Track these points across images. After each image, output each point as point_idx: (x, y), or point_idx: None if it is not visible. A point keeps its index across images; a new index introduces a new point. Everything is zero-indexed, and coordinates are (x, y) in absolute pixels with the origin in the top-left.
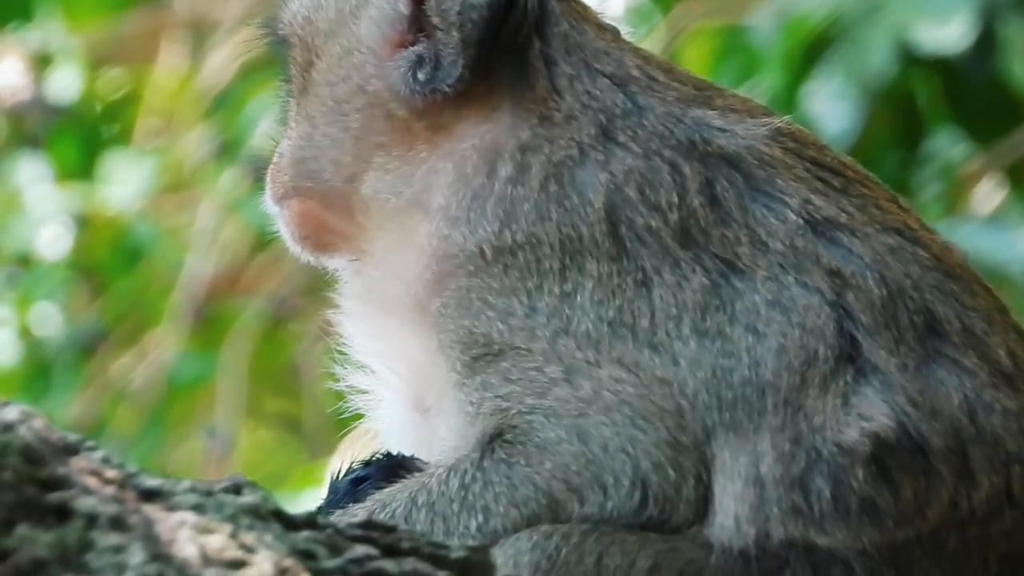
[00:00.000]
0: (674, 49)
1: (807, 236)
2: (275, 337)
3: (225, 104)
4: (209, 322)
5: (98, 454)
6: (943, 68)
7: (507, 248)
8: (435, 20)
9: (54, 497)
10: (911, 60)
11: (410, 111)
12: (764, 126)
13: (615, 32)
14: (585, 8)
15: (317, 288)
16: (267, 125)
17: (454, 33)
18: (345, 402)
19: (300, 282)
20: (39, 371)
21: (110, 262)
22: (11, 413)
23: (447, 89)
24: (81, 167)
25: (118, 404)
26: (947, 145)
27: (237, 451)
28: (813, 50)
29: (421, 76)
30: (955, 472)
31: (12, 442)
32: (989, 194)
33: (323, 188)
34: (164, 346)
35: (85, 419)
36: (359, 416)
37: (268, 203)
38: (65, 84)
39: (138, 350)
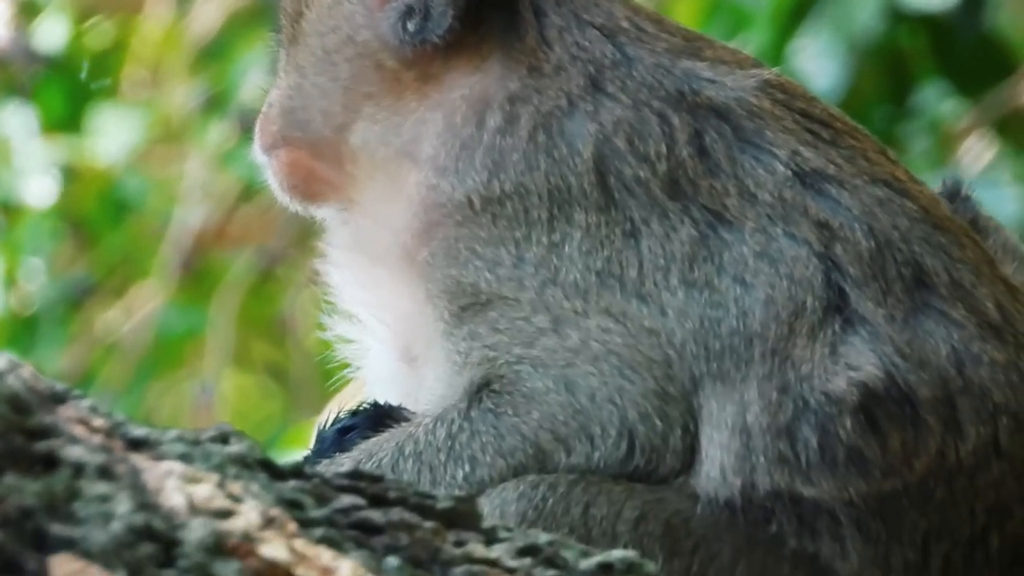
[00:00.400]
0: (662, 5)
1: (795, 187)
2: (264, 288)
3: (214, 55)
4: (198, 274)
5: (85, 403)
6: (931, 23)
7: (495, 198)
8: None
9: (41, 446)
10: (899, 16)
11: (399, 61)
12: (753, 77)
13: None
14: None
15: (306, 238)
16: (257, 77)
17: None
18: (332, 351)
19: (289, 233)
20: (26, 323)
21: (98, 214)
22: None
23: (436, 40)
24: (68, 118)
25: (106, 357)
26: (935, 100)
27: (224, 401)
28: (800, 7)
29: (411, 26)
30: (943, 423)
31: None
32: (978, 149)
33: (312, 138)
34: (153, 299)
35: (73, 371)
36: (346, 365)
37: (256, 153)
38: (52, 34)
39: (126, 303)
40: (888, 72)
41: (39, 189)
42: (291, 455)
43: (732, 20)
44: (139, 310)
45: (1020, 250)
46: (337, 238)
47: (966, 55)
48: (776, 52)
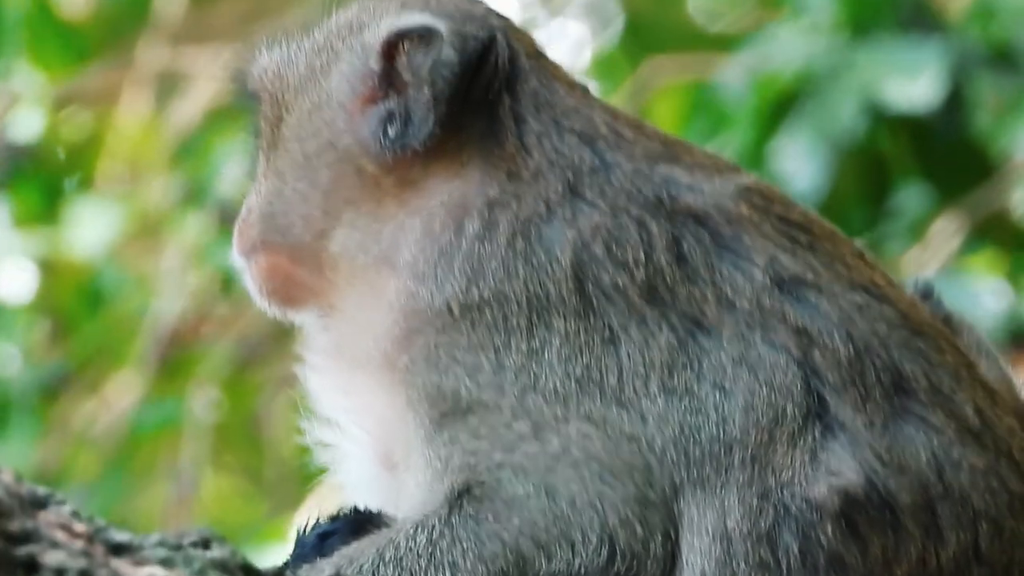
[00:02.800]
0: (643, 105)
1: (774, 294)
2: (239, 385)
3: (191, 150)
4: (174, 368)
5: (67, 508)
6: (912, 124)
7: (474, 305)
8: (406, 77)
9: (22, 551)
10: (879, 117)
11: (380, 167)
12: (732, 183)
13: (585, 89)
14: (555, 66)
15: (282, 337)
16: (233, 170)
17: (425, 90)
18: (309, 456)
19: (265, 331)
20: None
21: (75, 307)
22: None
23: (417, 145)
24: (43, 211)
25: (80, 449)
26: (915, 201)
27: (200, 501)
28: (781, 107)
29: (391, 132)
30: (923, 529)
31: None
32: (955, 248)
33: (292, 243)
34: (128, 391)
35: (46, 464)
36: (323, 470)
37: (235, 257)
38: (27, 125)
39: (101, 395)
40: (868, 173)
41: (15, 281)
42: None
43: (713, 120)
44: (115, 402)
45: (991, 348)
46: (316, 343)
47: (946, 156)
48: (756, 152)
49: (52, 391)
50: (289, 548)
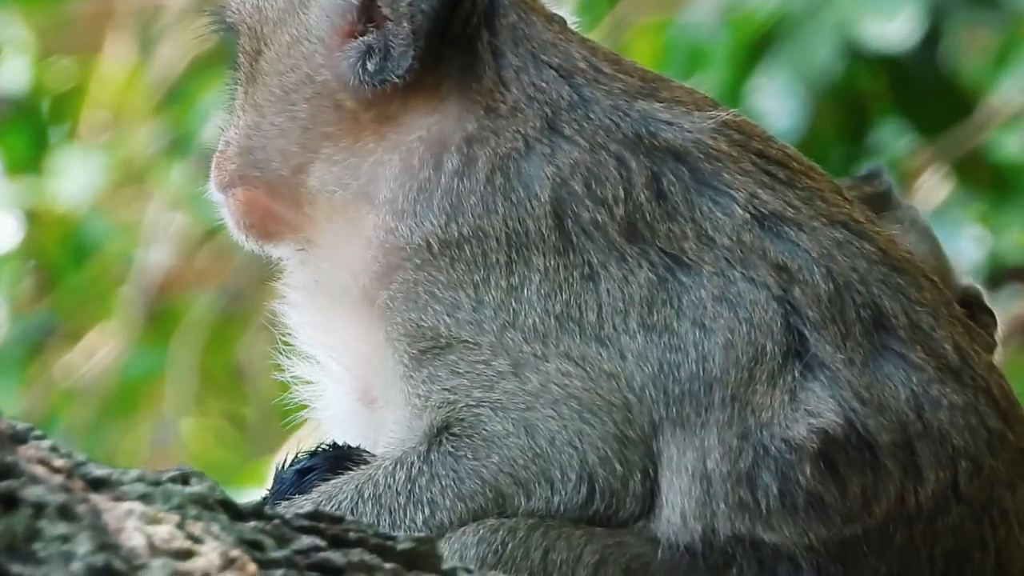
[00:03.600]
0: (620, 43)
1: (754, 230)
2: (225, 331)
3: (176, 98)
4: (159, 316)
5: (46, 443)
6: (889, 64)
7: (453, 241)
8: (385, 11)
9: (1, 486)
10: (857, 56)
11: (358, 102)
12: (710, 119)
13: (563, 23)
14: (533, 0)
15: (266, 282)
16: (218, 119)
17: (404, 24)
18: (290, 394)
19: (250, 275)
20: None
21: (60, 257)
22: None
23: (396, 80)
24: (30, 160)
25: (67, 399)
26: (893, 139)
27: (183, 444)
28: (758, 46)
29: (370, 66)
30: (902, 467)
31: None
32: (934, 188)
33: (270, 177)
34: (113, 340)
35: (33, 413)
36: (303, 407)
37: (213, 191)
38: (15, 75)
39: (87, 345)
40: (846, 111)
41: (1, 231)
42: (248, 493)
43: (689, 59)
44: (100, 352)
45: (927, 228)
46: (295, 279)
47: (923, 94)
48: (733, 91)
49: (38, 341)
50: (268, 484)
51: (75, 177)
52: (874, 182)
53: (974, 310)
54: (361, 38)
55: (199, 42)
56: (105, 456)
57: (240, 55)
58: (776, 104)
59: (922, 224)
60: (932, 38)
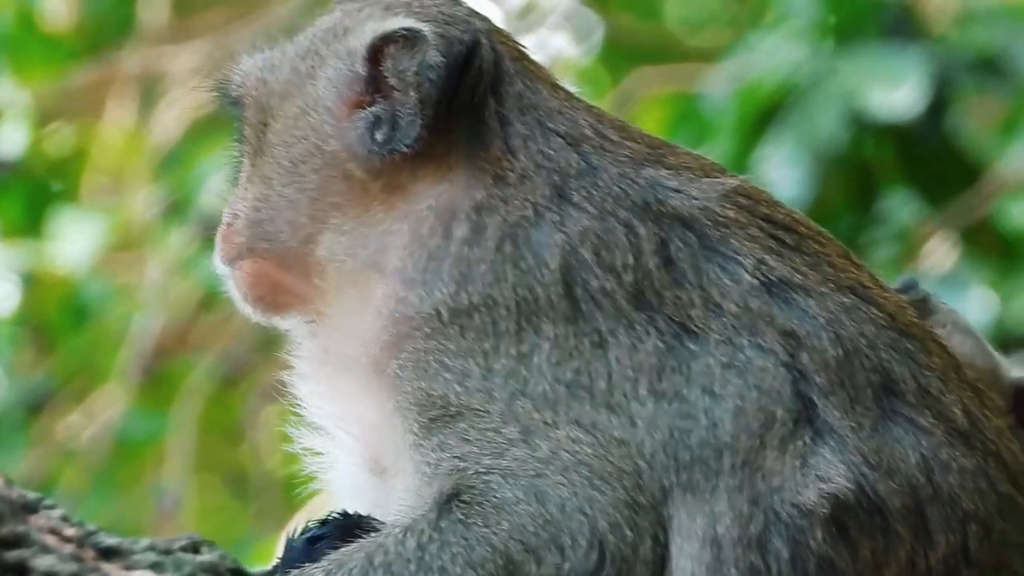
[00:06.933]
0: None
1: (761, 297)
2: (225, 397)
3: (175, 162)
4: (158, 380)
5: (57, 512)
6: (895, 132)
7: (463, 309)
8: (392, 81)
9: (13, 555)
10: (863, 126)
11: (367, 171)
12: (719, 185)
13: (568, 92)
14: (539, 68)
15: (268, 346)
16: (217, 183)
17: (412, 93)
18: (296, 465)
19: (250, 340)
20: None
21: (59, 320)
22: None
23: (405, 149)
24: (28, 224)
25: (66, 463)
26: (900, 207)
27: (186, 512)
28: (765, 116)
29: (379, 136)
30: (913, 531)
31: None
32: (942, 257)
33: (279, 249)
34: (113, 405)
35: (33, 478)
36: (309, 478)
37: (218, 264)
38: (12, 139)
39: (86, 408)
40: (853, 180)
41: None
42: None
43: (697, 130)
44: (99, 415)
45: (971, 327)
46: (303, 350)
47: (930, 163)
48: (740, 161)
49: (37, 404)
50: (278, 554)
51: (74, 240)
52: (910, 292)
53: None
54: (369, 108)
55: (198, 107)
56: (107, 524)
57: (246, 128)
58: (783, 174)
59: (963, 323)
60: (938, 107)
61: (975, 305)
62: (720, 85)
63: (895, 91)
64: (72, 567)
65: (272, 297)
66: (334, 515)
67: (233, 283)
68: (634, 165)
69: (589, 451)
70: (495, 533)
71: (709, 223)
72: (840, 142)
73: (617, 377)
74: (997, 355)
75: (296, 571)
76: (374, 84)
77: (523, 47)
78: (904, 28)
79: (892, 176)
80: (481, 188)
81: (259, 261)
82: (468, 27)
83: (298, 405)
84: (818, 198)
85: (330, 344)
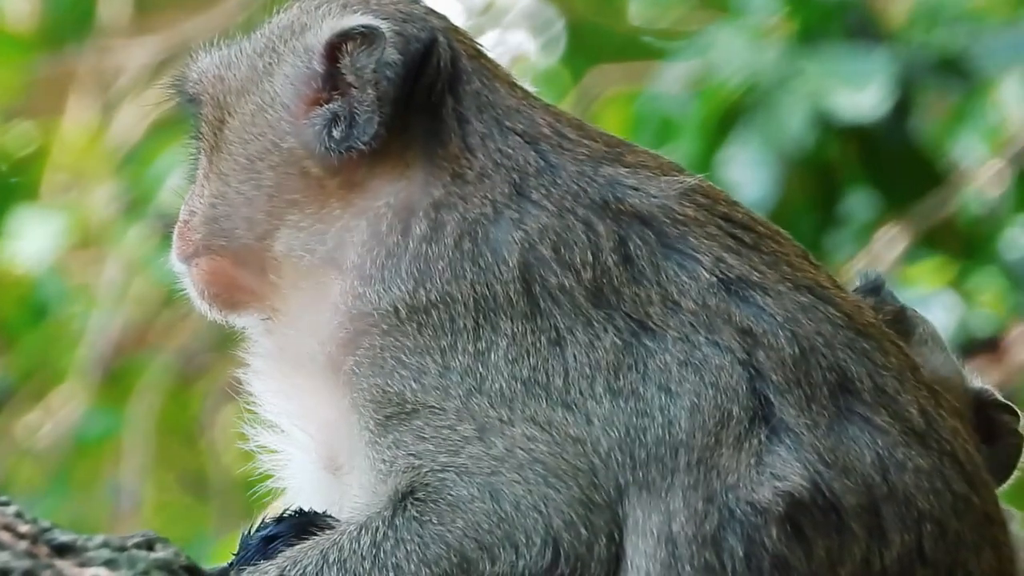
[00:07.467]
0: (588, 115)
1: (719, 295)
2: (182, 395)
3: (133, 160)
4: (116, 378)
5: (11, 509)
6: (859, 133)
7: (421, 307)
8: (350, 78)
9: None
10: (827, 127)
11: (324, 169)
12: (677, 183)
13: (526, 90)
14: (496, 66)
15: (225, 345)
16: (175, 181)
17: (369, 91)
18: (253, 462)
19: (208, 338)
20: None
21: (17, 318)
22: None
23: (362, 147)
24: None
25: (24, 461)
26: (862, 208)
27: (143, 510)
28: (729, 117)
29: (336, 134)
30: (867, 530)
31: None
32: (901, 256)
33: (236, 246)
34: (71, 403)
35: None
36: (266, 476)
37: (175, 262)
38: None
39: (44, 406)
40: (816, 181)
41: None
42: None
43: (659, 130)
44: (57, 413)
45: (944, 342)
46: (259, 347)
47: (894, 164)
48: (704, 162)
49: None
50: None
51: (33, 238)
52: (879, 295)
53: (991, 410)
54: (326, 106)
55: (157, 105)
56: (64, 522)
57: (202, 125)
58: (747, 174)
59: (938, 338)
60: (902, 108)
61: (937, 306)
62: (677, 82)
63: (860, 92)
64: (26, 563)
65: (228, 294)
66: (290, 512)
67: (190, 280)
68: (592, 163)
69: (544, 449)
70: (450, 531)
71: (668, 221)
72: (804, 143)
73: (574, 375)
74: (959, 363)
75: (251, 568)
76: (331, 81)
77: (480, 46)
78: (867, 29)
79: (855, 177)
80: (439, 186)
81: (216, 258)
82: (426, 25)
83: (254, 403)
84: (781, 199)
85: (286, 341)
